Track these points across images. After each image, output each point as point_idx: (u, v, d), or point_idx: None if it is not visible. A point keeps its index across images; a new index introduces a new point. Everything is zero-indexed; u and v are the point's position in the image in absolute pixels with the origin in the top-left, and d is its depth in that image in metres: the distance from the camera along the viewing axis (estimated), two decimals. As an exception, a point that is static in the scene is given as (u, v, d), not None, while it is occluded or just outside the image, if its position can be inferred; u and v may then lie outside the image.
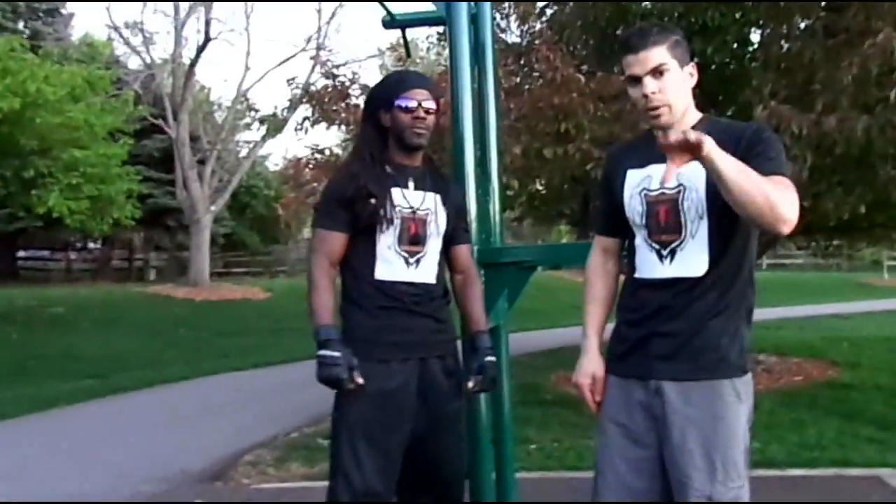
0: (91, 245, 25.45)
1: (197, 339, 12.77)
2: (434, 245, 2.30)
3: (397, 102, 2.23)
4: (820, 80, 5.30)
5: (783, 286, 19.95)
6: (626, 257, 2.00)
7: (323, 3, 22.99)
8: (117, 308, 15.37)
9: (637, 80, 1.83)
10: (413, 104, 2.22)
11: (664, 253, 1.86)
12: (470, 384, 2.30)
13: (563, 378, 6.73)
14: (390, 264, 2.23)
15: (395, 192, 2.24)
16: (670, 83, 1.81)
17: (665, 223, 1.84)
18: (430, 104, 2.25)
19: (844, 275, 26.56)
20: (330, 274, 2.23)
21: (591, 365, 1.99)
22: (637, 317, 1.90)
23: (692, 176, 1.79)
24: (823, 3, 5.45)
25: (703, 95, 6.29)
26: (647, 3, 6.33)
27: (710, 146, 1.61)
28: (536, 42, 6.47)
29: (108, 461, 5.09)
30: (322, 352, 2.12)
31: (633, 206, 1.90)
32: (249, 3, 25.32)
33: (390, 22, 3.07)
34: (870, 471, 4.23)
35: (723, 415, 1.79)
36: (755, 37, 6.20)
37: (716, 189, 1.73)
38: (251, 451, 5.22)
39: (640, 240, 1.91)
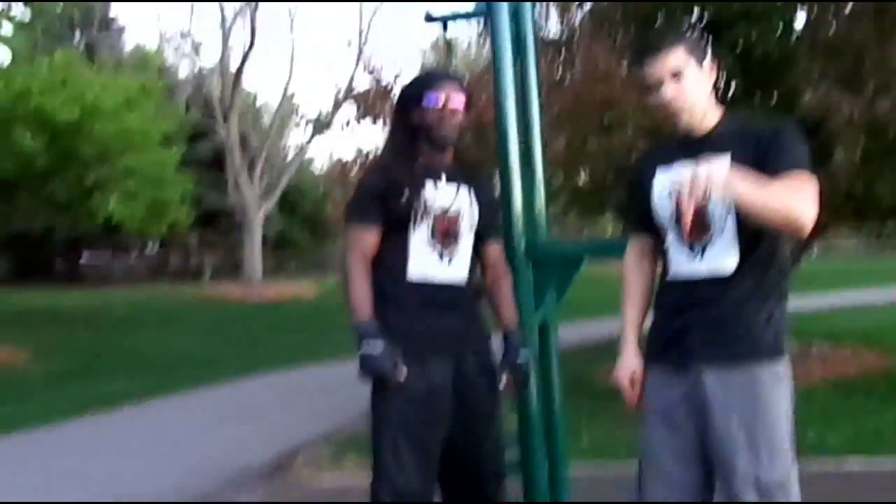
0: (149, 247, 26.22)
1: (252, 337, 13.10)
2: (466, 241, 2.28)
3: (426, 99, 2.24)
4: (870, 62, 5.17)
5: (835, 272, 19.37)
6: (661, 256, 2.03)
7: (364, 5, 23.14)
8: (176, 308, 15.87)
9: (656, 86, 1.85)
10: (441, 101, 2.23)
11: (695, 249, 1.89)
12: (502, 385, 2.29)
13: (613, 370, 6.70)
14: (424, 260, 2.21)
15: (428, 187, 2.22)
16: (688, 86, 1.84)
17: (694, 222, 1.84)
18: (459, 101, 2.25)
19: (897, 259, 25.57)
20: (367, 271, 2.21)
21: (630, 361, 2.02)
22: (672, 311, 1.94)
23: (718, 171, 1.80)
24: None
25: (749, 81, 6.27)
26: (689, -11, 6.25)
27: (723, 188, 1.67)
28: (576, 35, 6.45)
29: (173, 458, 5.26)
30: (365, 347, 2.11)
31: (663, 206, 1.93)
32: (293, 8, 25.59)
33: (432, 17, 3.12)
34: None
35: (763, 397, 1.82)
36: (801, 21, 6.07)
37: None
38: (308, 447, 5.33)
39: (671, 238, 1.94)
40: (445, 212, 2.23)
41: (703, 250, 1.88)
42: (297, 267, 25.02)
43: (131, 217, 12.91)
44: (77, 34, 22.31)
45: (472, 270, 2.31)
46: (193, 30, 41.53)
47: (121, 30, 25.02)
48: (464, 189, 2.29)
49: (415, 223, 2.19)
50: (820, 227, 7.94)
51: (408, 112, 2.29)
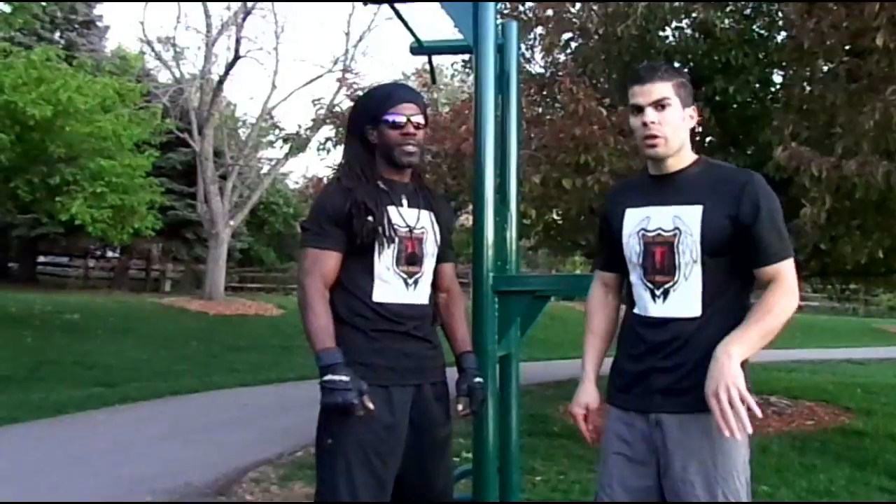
0: (109, 254, 25.69)
1: (208, 353, 12.82)
2: (429, 265, 2.24)
3: (385, 118, 2.16)
4: (841, 124, 5.31)
5: (797, 328, 19.68)
6: (627, 292, 2.05)
7: (351, 27, 23.25)
8: (132, 318, 15.48)
9: (640, 110, 1.92)
10: (402, 120, 2.16)
11: (657, 293, 1.92)
12: (460, 407, 2.25)
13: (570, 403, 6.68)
14: (389, 286, 2.15)
15: (392, 210, 2.16)
16: (670, 117, 1.90)
17: (661, 265, 1.91)
18: (419, 119, 2.19)
19: (860, 319, 26.19)
20: (325, 296, 2.11)
21: (586, 396, 2.05)
22: (637, 352, 1.96)
23: (688, 219, 1.88)
24: (846, 48, 5.47)
25: (724, 134, 6.41)
26: (672, 40, 6.38)
27: (735, 358, 1.75)
28: (560, 74, 6.53)
29: (115, 470, 5.09)
30: (328, 377, 2.00)
31: (631, 246, 1.97)
32: (279, 24, 25.67)
33: (418, 48, 3.13)
34: (880, 522, 4.18)
35: (721, 446, 1.84)
36: (778, 78, 6.23)
37: (712, 235, 1.86)
38: (256, 468, 5.21)
39: (635, 278, 1.98)
40: (410, 235, 2.18)
41: (666, 294, 1.91)
42: (260, 285, 24.70)
43: (95, 220, 12.63)
44: (58, 32, 22.03)
45: (431, 294, 2.29)
46: (177, 37, 41.25)
47: (104, 30, 24.74)
48: (425, 211, 2.25)
49: (380, 247, 2.14)
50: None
51: (364, 129, 2.22)
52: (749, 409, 1.70)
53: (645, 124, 1.90)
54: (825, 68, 5.73)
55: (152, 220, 14.31)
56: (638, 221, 1.96)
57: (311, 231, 2.17)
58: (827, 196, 5.07)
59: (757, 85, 5.88)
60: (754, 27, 6.11)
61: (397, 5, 2.84)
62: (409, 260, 2.18)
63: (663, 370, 1.88)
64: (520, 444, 2.71)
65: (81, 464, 5.28)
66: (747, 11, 6.08)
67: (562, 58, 7.08)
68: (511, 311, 2.65)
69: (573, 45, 7.14)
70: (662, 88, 1.89)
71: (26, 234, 20.36)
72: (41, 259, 24.22)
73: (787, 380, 10.32)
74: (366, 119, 2.22)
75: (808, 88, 5.84)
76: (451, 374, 2.36)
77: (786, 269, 1.87)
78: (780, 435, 6.41)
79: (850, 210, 5.62)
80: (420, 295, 2.21)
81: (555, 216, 6.94)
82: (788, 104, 5.51)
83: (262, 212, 24.53)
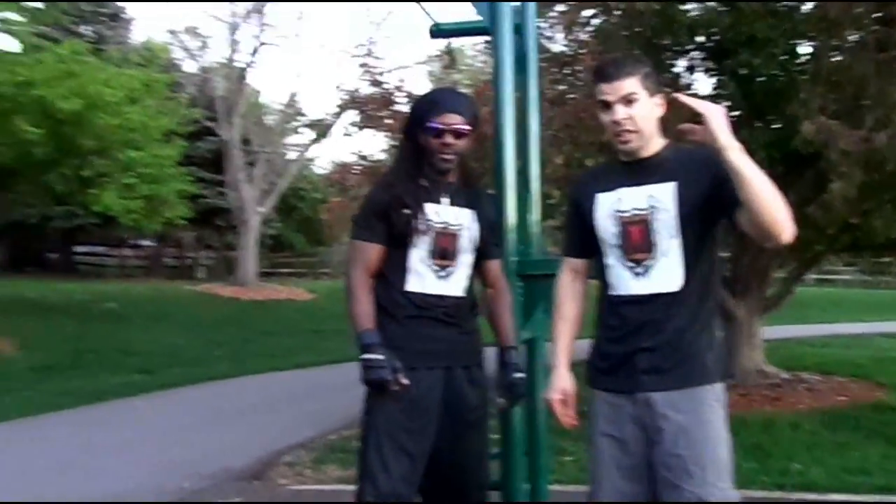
0: (144, 243, 26.18)
1: (242, 338, 13.06)
2: (464, 259, 2.34)
3: (427, 125, 2.28)
4: (870, 96, 5.19)
5: (829, 302, 19.39)
6: (598, 276, 2.10)
7: (373, 10, 23.17)
8: (167, 305, 15.82)
9: (608, 106, 1.94)
10: (441, 129, 2.26)
11: (638, 270, 1.97)
12: (499, 401, 2.34)
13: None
14: (421, 277, 2.29)
15: (429, 207, 2.29)
16: (639, 111, 1.93)
17: (638, 242, 1.96)
18: (462, 127, 2.27)
19: (894, 293, 25.63)
20: (368, 284, 2.29)
21: (562, 381, 2.08)
22: (618, 334, 2.00)
23: (662, 197, 1.94)
24: (875, 16, 5.33)
25: (750, 108, 6.28)
26: (695, 13, 6.27)
27: (733, 143, 1.76)
28: (581, 52, 6.47)
29: (153, 456, 5.26)
30: (366, 355, 2.18)
31: (606, 228, 2.01)
32: (301, 9, 25.71)
33: (437, 31, 3.13)
34: (916, 499, 4.11)
35: (709, 419, 1.92)
36: (805, 49, 6.09)
37: (686, 209, 1.91)
38: (290, 452, 5.34)
39: (612, 259, 2.01)
40: (445, 230, 2.30)
41: (647, 270, 1.95)
42: (291, 270, 25.00)
43: (127, 211, 12.89)
44: (87, 26, 22.32)
45: (469, 287, 2.38)
46: (202, 26, 41.52)
47: (129, 22, 25.00)
48: (464, 208, 2.34)
49: (414, 240, 2.27)
50: (814, 256, 8.00)
51: (413, 131, 2.35)
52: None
53: (615, 122, 1.93)
54: (853, 38, 5.59)
55: (183, 209, 14.56)
56: (611, 203, 2.00)
57: (358, 224, 2.35)
58: (857, 170, 4.97)
59: (783, 57, 5.75)
60: (780, -3, 5.96)
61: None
62: (442, 254, 2.29)
63: (647, 350, 1.93)
64: (548, 425, 2.69)
65: (122, 450, 5.46)
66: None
67: (583, 36, 7.00)
68: (535, 294, 2.67)
69: (595, 21, 7.05)
70: (629, 84, 1.91)
71: (64, 225, 20.85)
72: (79, 249, 24.78)
73: (820, 355, 10.17)
74: (415, 122, 2.35)
75: (835, 59, 5.70)
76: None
77: None
78: (813, 412, 6.34)
79: (880, 184, 5.50)
80: (452, 286, 2.32)
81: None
82: (816, 76, 5.39)
83: (291, 198, 24.74)
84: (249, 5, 19.16)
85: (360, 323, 2.23)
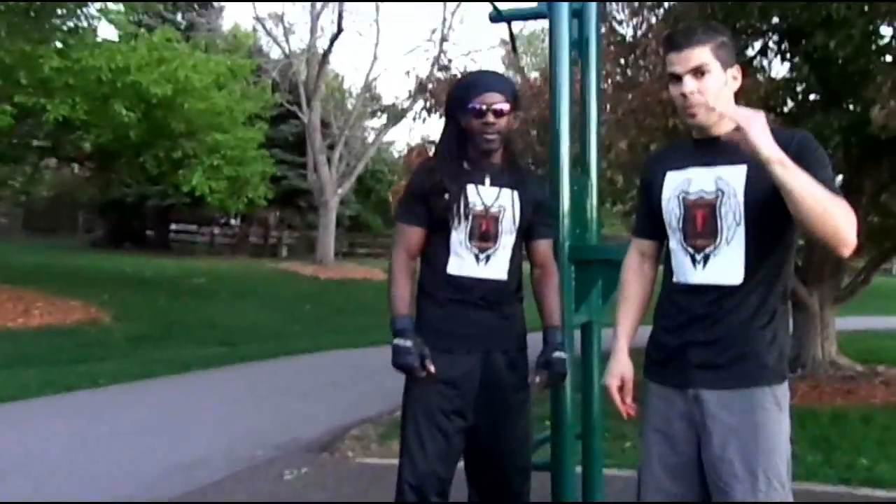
0: (232, 221, 27.30)
1: (319, 315, 13.54)
2: (507, 241, 2.32)
3: (469, 106, 2.27)
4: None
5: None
6: (664, 260, 1.99)
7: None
8: (251, 281, 16.53)
9: (678, 79, 1.82)
10: (483, 108, 2.25)
11: (698, 258, 1.85)
12: (536, 379, 2.31)
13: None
14: (462, 259, 2.29)
15: (470, 189, 2.28)
16: (710, 84, 1.80)
17: (702, 228, 1.83)
18: (502, 106, 2.27)
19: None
20: (409, 266, 2.32)
21: (620, 366, 1.97)
22: (674, 324, 1.89)
23: (732, 180, 1.80)
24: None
25: (825, 92, 6.05)
26: (768, -7, 6.06)
27: (776, 151, 1.63)
28: (648, 36, 6.37)
29: (229, 424, 5.57)
30: (396, 341, 2.21)
31: (671, 209, 1.89)
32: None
33: (497, 17, 3.10)
34: None
35: (763, 423, 1.78)
36: (886, 30, 5.80)
37: (756, 196, 1.76)
38: (358, 426, 5.51)
39: (674, 243, 1.90)
40: (485, 213, 2.29)
41: (707, 259, 1.83)
42: (368, 250, 25.54)
43: (212, 191, 13.50)
44: (179, 14, 23.30)
45: (513, 269, 2.36)
46: (286, 12, 42.53)
47: (220, 9, 25.93)
48: (507, 190, 2.32)
49: (454, 223, 2.27)
50: (894, 246, 7.64)
51: (454, 114, 2.35)
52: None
53: (684, 94, 1.80)
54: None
55: (264, 189, 15.12)
56: (678, 184, 1.88)
57: (401, 206, 2.39)
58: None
59: (861, 39, 5.49)
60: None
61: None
62: (483, 236, 2.28)
63: (702, 343, 1.82)
64: (605, 409, 2.66)
65: (201, 418, 5.82)
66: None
67: (652, 19, 6.88)
68: (590, 279, 2.67)
69: (666, 4, 6.91)
70: (700, 54, 1.79)
71: (158, 204, 21.99)
72: (173, 227, 26.06)
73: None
74: (456, 105, 2.35)
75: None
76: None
77: (840, 196, 1.70)
78: (887, 406, 6.11)
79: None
80: (493, 270, 2.31)
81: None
82: (895, 60, 5.13)
83: (369, 179, 25.23)
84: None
85: (396, 306, 2.26)
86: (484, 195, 2.30)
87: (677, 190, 1.88)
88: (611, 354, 2.01)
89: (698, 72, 1.80)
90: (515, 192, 2.33)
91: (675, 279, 1.91)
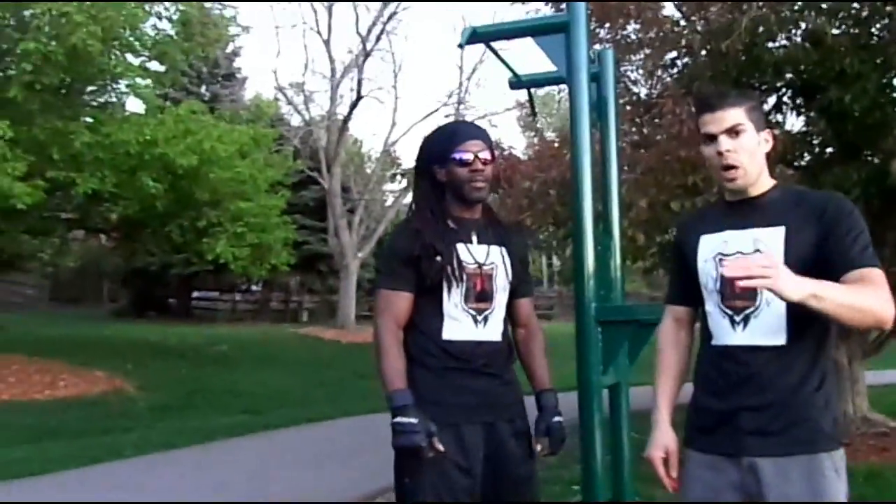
0: (254, 288, 27.50)
1: (341, 380, 13.45)
2: (501, 300, 2.24)
3: (453, 156, 2.19)
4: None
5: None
6: (700, 324, 1.96)
7: (465, 63, 23.51)
8: (273, 347, 16.53)
9: (713, 139, 1.83)
10: (469, 157, 2.18)
11: (737, 319, 1.81)
12: (538, 447, 2.23)
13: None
14: (458, 323, 2.17)
15: (461, 248, 2.19)
16: (746, 144, 1.81)
17: (740, 289, 1.76)
18: (486, 155, 2.21)
19: None
20: (398, 336, 2.17)
21: (664, 437, 1.93)
22: (719, 388, 1.83)
23: (770, 242, 1.78)
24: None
25: (842, 145, 6.07)
26: (781, 50, 6.17)
27: (802, 291, 1.56)
28: (664, 95, 6.47)
29: (257, 495, 5.47)
30: (398, 419, 2.04)
31: (707, 271, 1.87)
32: (397, 63, 26.76)
33: (517, 83, 3.19)
34: None
35: (825, 492, 1.72)
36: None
37: (795, 256, 1.73)
38: (383, 494, 5.43)
39: (711, 306, 1.87)
40: (479, 272, 2.19)
41: (747, 320, 1.79)
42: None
43: (236, 258, 13.67)
44: (204, 86, 24.08)
45: (505, 330, 2.29)
46: (307, 81, 43.95)
47: (242, 81, 26.77)
48: (495, 247, 2.25)
49: (449, 286, 2.16)
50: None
51: (432, 169, 2.25)
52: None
53: (720, 153, 1.81)
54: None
55: (286, 256, 15.28)
56: (714, 246, 1.86)
57: (383, 272, 2.25)
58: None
59: (878, 92, 5.54)
60: (872, 30, 5.78)
61: (493, 44, 2.88)
62: (479, 297, 2.18)
63: (754, 409, 1.75)
64: (635, 472, 2.62)
65: (224, 490, 5.74)
66: (864, 13, 5.76)
67: (667, 79, 7.00)
68: (616, 339, 2.63)
69: (679, 63, 7.05)
70: (735, 114, 1.81)
71: (181, 272, 22.26)
72: (195, 294, 26.30)
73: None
74: (433, 159, 2.24)
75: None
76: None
77: (875, 274, 1.70)
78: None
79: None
80: (490, 331, 2.21)
81: (666, 237, 6.84)
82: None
83: (389, 242, 25.38)
84: (349, 59, 20.18)
85: (391, 381, 2.09)
86: (475, 253, 2.21)
87: (713, 252, 1.86)
88: (653, 426, 1.97)
89: (733, 131, 1.81)
90: (503, 249, 2.26)
91: (713, 342, 1.87)
